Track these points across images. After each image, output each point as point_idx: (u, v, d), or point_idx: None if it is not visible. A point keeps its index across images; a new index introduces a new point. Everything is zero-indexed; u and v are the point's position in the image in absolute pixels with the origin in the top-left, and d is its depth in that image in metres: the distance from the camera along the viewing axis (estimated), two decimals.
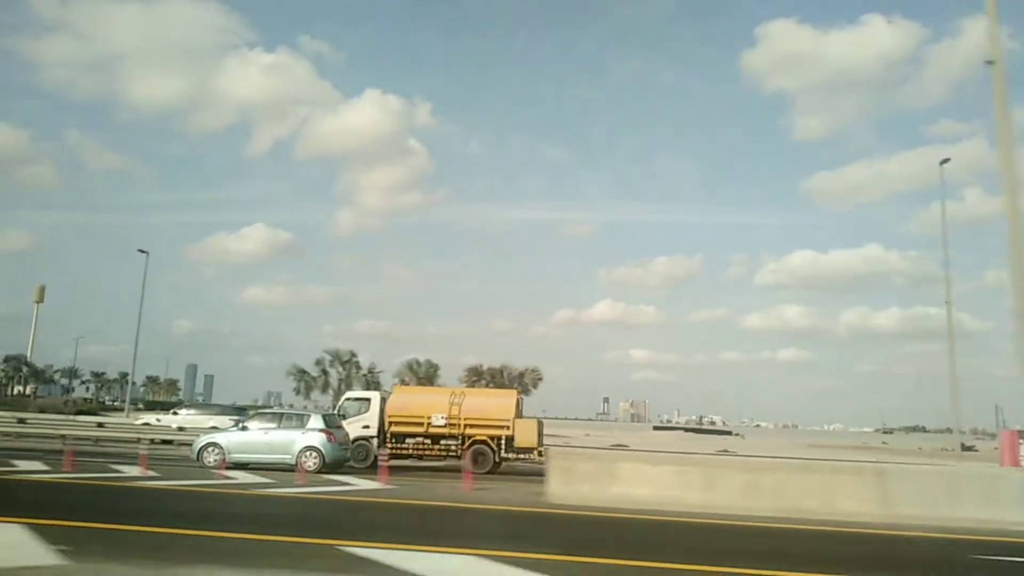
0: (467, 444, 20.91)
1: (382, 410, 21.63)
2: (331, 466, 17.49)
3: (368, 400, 22.22)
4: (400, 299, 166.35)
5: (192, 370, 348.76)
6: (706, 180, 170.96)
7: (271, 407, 56.14)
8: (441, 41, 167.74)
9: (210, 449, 17.45)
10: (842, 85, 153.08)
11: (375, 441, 21.26)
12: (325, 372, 43.51)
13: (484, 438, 20.94)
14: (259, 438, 17.53)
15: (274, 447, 17.42)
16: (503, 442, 20.90)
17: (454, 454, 20.97)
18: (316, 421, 18.05)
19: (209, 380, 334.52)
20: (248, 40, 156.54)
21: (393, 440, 21.19)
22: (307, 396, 43.76)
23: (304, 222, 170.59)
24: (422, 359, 46.47)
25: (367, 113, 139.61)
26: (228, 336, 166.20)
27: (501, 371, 45.27)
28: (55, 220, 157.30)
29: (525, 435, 21.12)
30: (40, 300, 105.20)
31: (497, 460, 20.89)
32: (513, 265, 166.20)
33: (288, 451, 17.29)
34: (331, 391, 43.16)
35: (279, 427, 17.85)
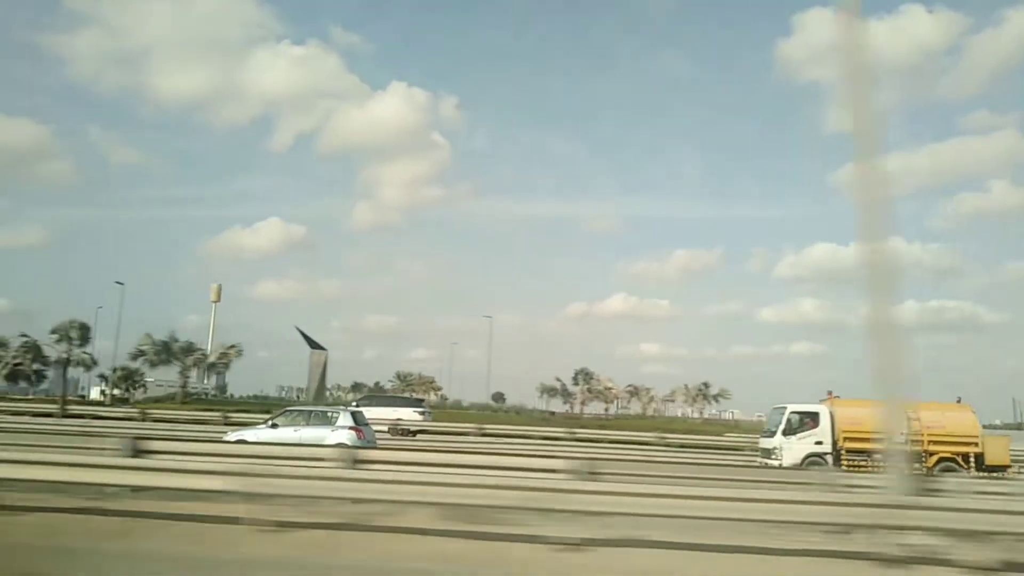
0: (933, 461, 19.91)
1: (833, 425, 20.58)
2: None
3: (816, 414, 20.95)
4: (412, 294, 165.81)
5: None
6: (730, 174, 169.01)
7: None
8: (471, 32, 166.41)
9: None
10: (879, 76, 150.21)
11: (828, 458, 20.29)
12: None
13: (950, 455, 19.98)
14: (288, 436, 17.32)
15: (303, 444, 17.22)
16: (971, 459, 19.90)
17: (917, 471, 19.71)
18: (346, 418, 17.88)
19: (221, 375, 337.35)
20: (277, 33, 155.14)
21: (849, 457, 20.09)
22: None
23: (321, 216, 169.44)
24: None
25: (392, 106, 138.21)
26: (237, 330, 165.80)
27: None
28: (71, 216, 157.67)
29: (997, 452, 20.02)
30: (217, 300, 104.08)
31: None
32: (530, 260, 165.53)
33: None
34: None
35: (308, 424, 17.67)
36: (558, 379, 77.44)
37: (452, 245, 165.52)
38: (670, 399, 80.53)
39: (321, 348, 54.78)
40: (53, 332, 42.88)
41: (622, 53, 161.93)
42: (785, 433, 20.69)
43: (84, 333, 43.73)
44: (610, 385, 77.09)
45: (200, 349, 53.74)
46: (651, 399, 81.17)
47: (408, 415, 31.13)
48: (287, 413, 18.54)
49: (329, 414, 18.27)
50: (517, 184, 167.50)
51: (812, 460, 20.10)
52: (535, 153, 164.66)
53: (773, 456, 20.99)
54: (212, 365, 55.73)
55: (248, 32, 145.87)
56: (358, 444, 17.28)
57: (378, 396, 42.87)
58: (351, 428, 17.51)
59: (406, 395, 54.52)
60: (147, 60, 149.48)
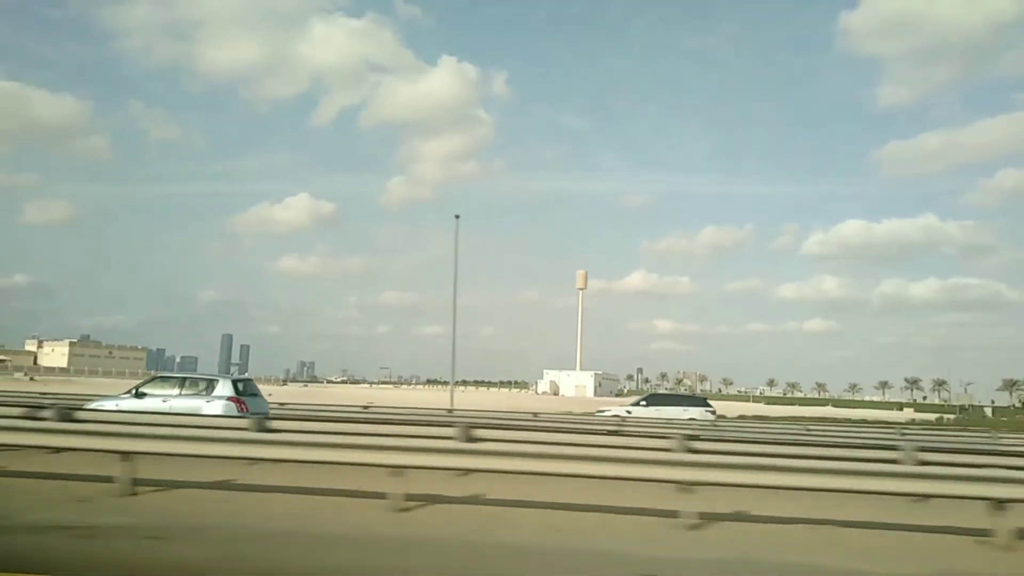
0: None
1: None
2: None
3: None
4: (433, 270, 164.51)
5: (227, 340, 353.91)
6: (775, 151, 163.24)
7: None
8: (523, 7, 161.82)
9: None
10: (942, 50, 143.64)
11: None
12: None
13: None
14: (156, 407, 15.17)
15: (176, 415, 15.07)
16: None
17: None
18: (225, 387, 15.65)
19: (245, 350, 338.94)
20: (337, 3, 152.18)
21: None
22: None
23: (352, 193, 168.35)
24: None
25: (438, 81, 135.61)
26: (258, 306, 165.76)
27: None
28: (101, 192, 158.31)
29: None
30: (583, 287, 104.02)
31: None
32: (560, 236, 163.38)
33: None
34: None
35: (181, 394, 15.50)
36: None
37: (481, 222, 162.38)
38: None
39: None
40: None
41: (633, 29, 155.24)
42: None
43: None
44: None
45: None
46: None
47: (700, 415, 29.92)
48: (157, 380, 16.37)
49: (208, 382, 16.05)
50: (557, 160, 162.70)
51: None
52: (577, 129, 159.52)
53: None
54: None
55: (305, 3, 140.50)
56: (240, 416, 15.12)
57: (665, 396, 41.15)
58: (230, 399, 15.27)
59: (688, 394, 51.84)
60: (199, 32, 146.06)
